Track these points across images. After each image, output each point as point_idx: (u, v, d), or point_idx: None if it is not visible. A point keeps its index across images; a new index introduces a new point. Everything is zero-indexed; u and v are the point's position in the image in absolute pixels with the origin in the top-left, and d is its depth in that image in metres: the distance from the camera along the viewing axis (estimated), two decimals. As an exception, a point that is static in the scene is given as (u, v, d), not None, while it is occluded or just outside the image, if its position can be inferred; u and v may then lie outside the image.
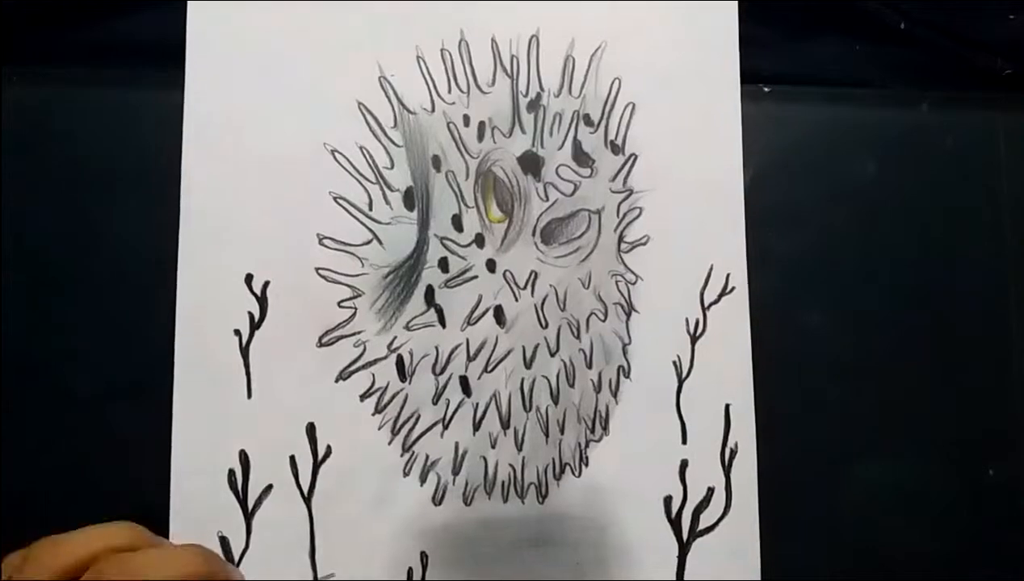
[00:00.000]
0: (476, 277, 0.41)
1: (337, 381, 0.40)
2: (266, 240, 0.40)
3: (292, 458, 0.39)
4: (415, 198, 0.41)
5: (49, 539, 0.35)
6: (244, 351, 0.40)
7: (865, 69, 0.47)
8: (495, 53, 0.42)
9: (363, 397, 0.40)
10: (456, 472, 0.40)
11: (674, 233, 0.42)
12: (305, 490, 0.39)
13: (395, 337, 0.40)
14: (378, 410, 0.40)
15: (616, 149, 0.42)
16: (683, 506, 0.41)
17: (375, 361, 0.40)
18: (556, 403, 0.41)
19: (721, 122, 0.43)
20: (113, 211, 0.41)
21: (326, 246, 0.40)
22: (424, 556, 0.40)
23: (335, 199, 0.40)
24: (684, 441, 0.41)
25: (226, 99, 0.40)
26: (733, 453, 0.41)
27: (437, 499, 0.40)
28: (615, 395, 0.41)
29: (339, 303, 0.40)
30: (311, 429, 0.39)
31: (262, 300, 0.40)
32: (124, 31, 0.43)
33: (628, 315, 0.42)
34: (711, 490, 0.41)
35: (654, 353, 0.42)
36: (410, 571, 0.40)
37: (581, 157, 0.42)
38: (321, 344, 0.40)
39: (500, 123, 0.41)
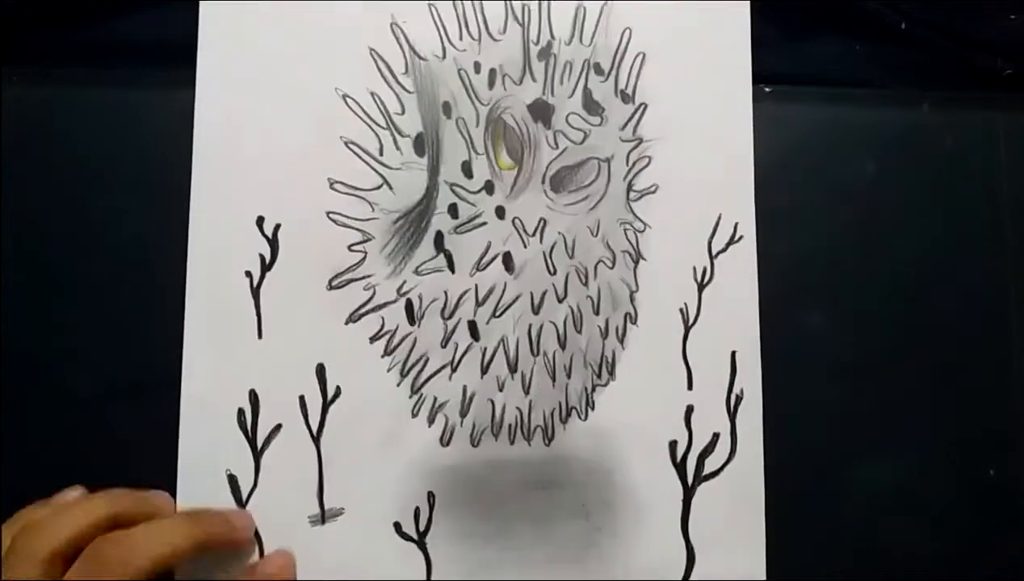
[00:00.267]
0: (485, 223, 0.41)
1: (347, 324, 0.40)
2: (277, 183, 0.40)
3: (302, 398, 0.40)
4: (425, 144, 0.41)
5: (31, 523, 0.34)
6: (255, 292, 0.40)
7: (865, 69, 0.47)
8: (506, 1, 0.42)
9: (372, 340, 0.40)
10: (464, 414, 0.41)
11: (683, 182, 0.42)
12: (314, 430, 0.40)
13: (404, 281, 0.41)
14: (387, 352, 0.40)
15: (626, 98, 0.42)
16: (688, 451, 0.41)
17: (384, 304, 0.41)
18: (563, 348, 0.41)
19: (731, 72, 0.43)
20: (114, 211, 0.41)
21: (337, 190, 0.41)
22: (431, 496, 0.40)
23: (346, 144, 0.41)
24: (690, 387, 0.42)
25: (239, 45, 0.40)
26: (739, 399, 0.42)
27: (445, 440, 0.40)
28: (622, 341, 0.42)
29: (349, 247, 0.40)
30: (320, 370, 0.40)
31: (273, 242, 0.40)
32: (125, 31, 0.43)
33: (636, 263, 0.42)
34: (716, 435, 0.41)
35: (661, 300, 0.42)
36: (417, 510, 0.40)
37: (591, 105, 0.42)
38: (331, 287, 0.40)
39: (511, 71, 0.42)
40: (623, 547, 0.41)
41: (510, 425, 0.41)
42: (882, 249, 0.44)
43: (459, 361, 0.41)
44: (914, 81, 0.47)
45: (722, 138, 0.42)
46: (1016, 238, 0.45)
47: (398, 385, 0.40)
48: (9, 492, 0.39)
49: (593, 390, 0.41)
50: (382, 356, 0.40)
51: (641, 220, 0.42)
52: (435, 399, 0.41)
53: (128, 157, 0.41)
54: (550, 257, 0.41)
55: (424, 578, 0.40)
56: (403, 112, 0.41)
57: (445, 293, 0.41)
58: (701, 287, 0.42)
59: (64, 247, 0.41)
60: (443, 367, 0.41)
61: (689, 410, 0.41)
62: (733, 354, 0.42)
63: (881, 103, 0.46)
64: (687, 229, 0.42)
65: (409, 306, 0.41)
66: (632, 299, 0.42)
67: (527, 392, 0.41)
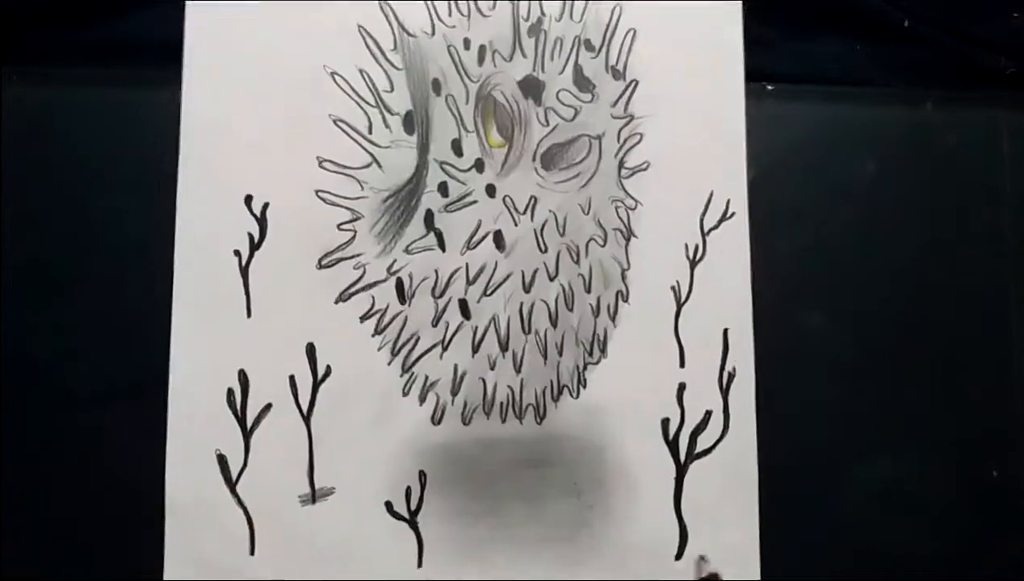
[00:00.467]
0: (476, 202, 0.41)
1: (337, 302, 0.40)
2: (266, 162, 0.40)
3: (292, 378, 0.40)
4: (415, 122, 0.41)
5: None
6: (244, 271, 0.40)
7: (867, 68, 0.46)
8: (496, -24, 0.41)
9: (363, 318, 0.40)
10: (455, 393, 0.40)
11: (674, 159, 0.42)
12: (305, 409, 0.40)
13: (395, 260, 0.41)
14: (378, 331, 0.40)
15: (617, 74, 0.42)
16: (680, 428, 0.41)
17: (375, 283, 0.40)
18: (555, 326, 0.41)
19: (722, 47, 0.42)
20: (113, 211, 0.41)
21: (326, 169, 0.40)
22: (423, 475, 0.40)
23: (335, 122, 0.40)
24: (682, 365, 0.41)
25: (226, 24, 0.40)
26: (731, 377, 0.41)
27: (436, 419, 0.40)
28: (613, 319, 0.41)
29: (339, 226, 0.40)
30: (311, 349, 0.40)
31: (261, 221, 0.40)
32: (124, 31, 0.43)
33: (627, 240, 0.42)
34: (709, 413, 0.41)
35: (653, 278, 0.42)
36: (408, 489, 0.40)
37: (582, 82, 0.42)
38: (321, 266, 0.40)
39: (501, 47, 0.41)
40: (615, 525, 0.41)
41: (502, 403, 0.41)
42: (882, 248, 0.44)
43: (450, 340, 0.41)
44: (916, 80, 0.46)
45: (714, 114, 0.42)
46: (1017, 238, 0.45)
47: (389, 364, 0.40)
48: (9, 492, 0.40)
49: (585, 368, 0.41)
50: (372, 335, 0.40)
51: (633, 197, 0.42)
52: (426, 378, 0.40)
53: (128, 157, 0.41)
54: (541, 235, 0.41)
55: (415, 557, 0.40)
56: (392, 89, 0.41)
57: (436, 272, 0.41)
58: (693, 264, 0.42)
59: (63, 247, 0.41)
60: (434, 346, 0.41)
61: (681, 388, 0.41)
62: (725, 331, 0.42)
63: (883, 102, 0.46)
64: (679, 206, 0.42)
65: (399, 285, 0.40)
66: (624, 277, 0.42)
67: (518, 370, 0.41)
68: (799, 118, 0.45)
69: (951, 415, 0.44)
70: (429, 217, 0.41)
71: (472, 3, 0.41)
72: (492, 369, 0.41)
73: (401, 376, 0.40)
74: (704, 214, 0.42)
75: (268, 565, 0.39)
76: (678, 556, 0.41)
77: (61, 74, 0.42)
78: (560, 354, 0.41)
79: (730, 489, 0.41)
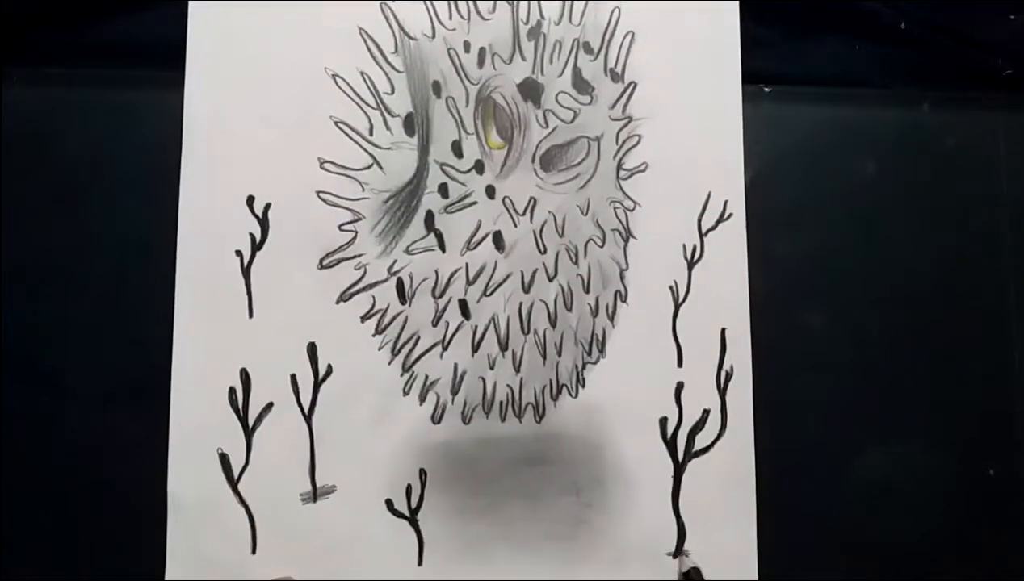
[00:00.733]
0: (475, 203, 0.41)
1: (338, 302, 0.40)
2: (267, 163, 0.40)
3: (293, 377, 0.40)
4: (415, 124, 0.41)
5: None
6: (245, 271, 0.40)
7: (865, 69, 0.47)
8: (495, -20, 0.42)
9: (364, 318, 0.40)
10: (455, 392, 0.41)
11: (672, 160, 0.42)
12: (306, 408, 0.40)
13: (395, 261, 0.41)
14: (378, 331, 0.40)
15: (616, 77, 0.42)
16: (678, 427, 0.41)
17: (375, 283, 0.41)
18: (554, 326, 0.41)
19: (720, 49, 0.43)
20: (115, 211, 0.41)
21: (327, 170, 0.41)
22: (423, 473, 0.40)
23: (336, 123, 0.41)
24: (680, 364, 0.42)
25: (228, 25, 0.40)
26: (728, 376, 0.42)
27: (436, 418, 0.41)
28: (612, 319, 0.42)
29: (340, 226, 0.40)
30: (312, 349, 0.40)
31: (263, 222, 0.40)
32: (125, 31, 0.43)
33: (626, 241, 0.42)
34: (706, 412, 0.42)
35: (651, 278, 0.42)
36: (409, 487, 0.40)
37: (581, 84, 0.42)
38: (322, 266, 0.40)
39: (500, 50, 0.42)
40: (614, 523, 0.41)
41: (501, 402, 0.41)
42: (879, 249, 0.44)
43: (450, 339, 0.41)
44: (914, 81, 0.47)
45: (711, 116, 0.43)
46: (1016, 238, 0.45)
47: (389, 363, 0.40)
48: (9, 492, 0.40)
49: (584, 367, 0.41)
50: (373, 335, 0.40)
51: (631, 198, 0.42)
52: (426, 377, 0.41)
53: (128, 157, 0.41)
54: (540, 236, 0.42)
55: (416, 554, 0.40)
56: (393, 92, 0.41)
57: (436, 272, 0.41)
58: (691, 265, 0.42)
59: (65, 247, 0.41)
60: (434, 345, 0.41)
61: (679, 387, 0.42)
62: (723, 331, 0.42)
63: (881, 103, 0.46)
64: (677, 207, 0.42)
65: (400, 285, 0.41)
66: (622, 277, 0.42)
67: (518, 370, 0.41)
68: (796, 119, 0.45)
69: (947, 415, 0.44)
70: (429, 218, 0.41)
71: (472, 6, 0.42)
72: (492, 368, 0.41)
73: (401, 375, 0.40)
74: (702, 215, 0.42)
75: (269, 563, 0.39)
76: (676, 553, 0.41)
77: (61, 74, 0.43)
78: (559, 354, 0.41)
79: (727, 487, 0.41)
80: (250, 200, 0.40)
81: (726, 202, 0.42)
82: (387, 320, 0.41)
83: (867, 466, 0.43)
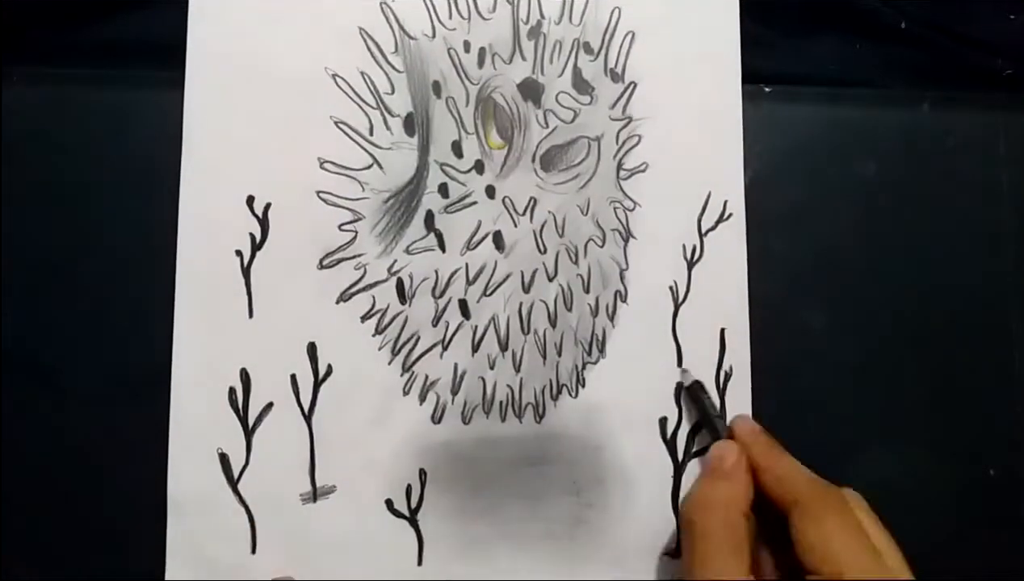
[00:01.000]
0: (475, 203, 0.41)
1: (338, 302, 0.40)
2: (267, 162, 0.40)
3: (293, 377, 0.40)
4: (415, 124, 0.41)
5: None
6: (245, 271, 0.40)
7: (865, 69, 0.47)
8: (496, -20, 0.42)
9: (364, 318, 0.40)
10: (455, 392, 0.41)
11: (672, 160, 0.42)
12: (306, 408, 0.40)
13: (395, 260, 0.41)
14: (378, 331, 0.40)
15: (616, 77, 0.42)
16: (678, 427, 0.41)
17: (375, 283, 0.41)
18: (554, 326, 0.41)
19: (720, 48, 0.43)
20: (113, 211, 0.41)
21: (327, 170, 0.41)
22: (423, 473, 0.40)
23: (336, 123, 0.41)
24: (680, 364, 0.42)
25: (228, 24, 0.40)
26: (728, 376, 0.42)
27: (436, 418, 0.41)
28: (612, 319, 0.42)
29: (340, 226, 0.41)
30: (312, 349, 0.40)
31: (263, 222, 0.40)
32: (125, 31, 0.43)
33: (626, 241, 0.42)
34: (706, 412, 0.42)
35: (651, 278, 0.42)
36: (409, 488, 0.40)
37: (581, 84, 0.42)
38: (322, 266, 0.40)
39: (500, 50, 0.42)
40: (614, 523, 0.41)
41: (501, 402, 0.41)
42: (880, 249, 0.44)
43: (450, 339, 0.41)
44: (914, 81, 0.47)
45: (711, 116, 0.43)
46: (1016, 238, 0.45)
47: (389, 363, 0.40)
48: (9, 492, 0.40)
49: (584, 367, 0.41)
50: (373, 335, 0.40)
51: (631, 198, 0.42)
52: (426, 377, 0.41)
53: (128, 157, 0.41)
54: (540, 236, 0.42)
55: (416, 554, 0.40)
56: (393, 92, 0.41)
57: (436, 272, 0.41)
58: (691, 265, 0.42)
59: (65, 247, 0.41)
60: (434, 345, 0.41)
61: (679, 387, 0.42)
62: (722, 331, 0.42)
63: (881, 103, 0.46)
64: (677, 207, 0.42)
65: (400, 285, 0.41)
66: (622, 277, 0.42)
67: (518, 370, 0.41)
68: (796, 119, 0.45)
69: (948, 415, 0.44)
70: (429, 218, 0.41)
71: (472, 6, 0.42)
72: (492, 368, 0.41)
73: (401, 375, 0.40)
74: (702, 215, 0.42)
75: (269, 563, 0.39)
76: (676, 554, 0.41)
77: (61, 74, 0.43)
78: (559, 354, 0.41)
79: (727, 488, 0.41)
80: (250, 200, 0.40)
81: (726, 202, 0.42)
82: (387, 320, 0.41)
83: (867, 466, 0.43)
